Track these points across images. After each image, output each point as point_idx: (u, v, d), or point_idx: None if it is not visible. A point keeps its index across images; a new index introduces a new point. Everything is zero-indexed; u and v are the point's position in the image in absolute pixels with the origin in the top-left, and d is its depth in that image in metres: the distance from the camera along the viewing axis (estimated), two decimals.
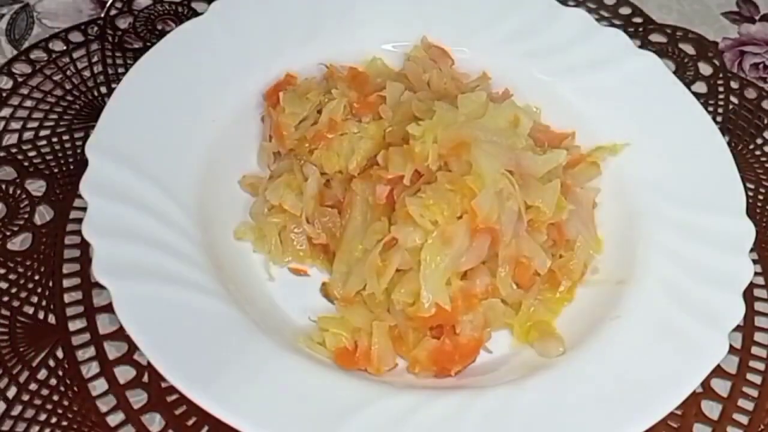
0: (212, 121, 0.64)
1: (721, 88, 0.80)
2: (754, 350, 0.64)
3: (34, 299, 0.61)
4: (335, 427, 0.50)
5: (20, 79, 0.73)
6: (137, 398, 0.57)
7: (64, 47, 0.76)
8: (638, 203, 0.64)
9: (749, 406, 0.61)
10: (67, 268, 0.62)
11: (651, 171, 0.65)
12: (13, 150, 0.69)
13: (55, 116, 0.71)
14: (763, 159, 0.76)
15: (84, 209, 0.56)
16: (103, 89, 0.73)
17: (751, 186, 0.73)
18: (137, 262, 0.55)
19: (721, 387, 0.62)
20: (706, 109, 0.70)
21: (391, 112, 0.64)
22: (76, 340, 0.59)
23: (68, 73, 0.74)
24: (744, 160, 0.75)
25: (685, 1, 0.88)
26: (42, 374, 0.58)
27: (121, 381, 0.58)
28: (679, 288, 0.59)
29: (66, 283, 0.62)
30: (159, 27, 0.79)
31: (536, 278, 0.60)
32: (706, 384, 0.61)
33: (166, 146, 0.61)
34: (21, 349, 0.59)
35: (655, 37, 0.84)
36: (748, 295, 0.64)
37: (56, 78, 0.74)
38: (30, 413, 0.56)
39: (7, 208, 0.66)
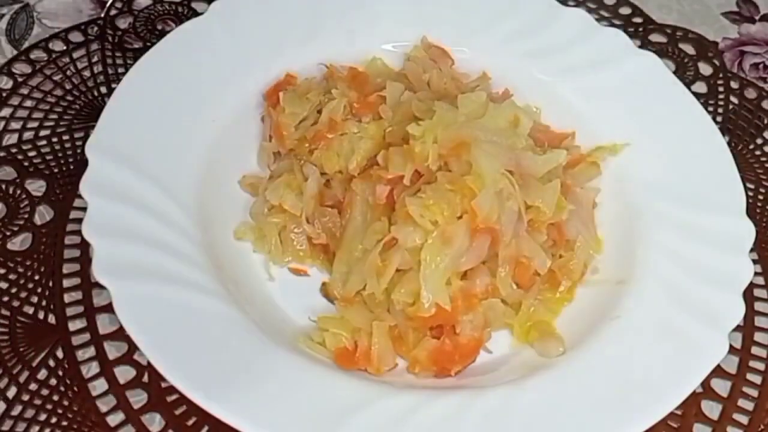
0: (212, 121, 0.64)
1: (721, 88, 0.80)
2: (754, 350, 0.64)
3: (34, 299, 0.61)
4: (335, 427, 0.50)
5: (20, 79, 0.73)
6: (137, 398, 0.57)
7: (64, 47, 0.76)
8: (638, 203, 0.64)
9: (749, 406, 0.61)
10: (67, 268, 0.62)
11: (651, 171, 0.65)
12: (13, 150, 0.69)
13: (55, 116, 0.71)
14: (763, 159, 0.76)
15: (84, 209, 0.56)
16: (103, 89, 0.73)
17: (751, 186, 0.73)
18: (137, 262, 0.55)
19: (721, 387, 0.62)
20: (706, 109, 0.70)
21: (391, 112, 0.64)
22: (76, 340, 0.59)
23: (68, 73, 0.74)
24: (744, 160, 0.75)
25: (685, 1, 0.88)
26: (42, 374, 0.58)
27: (121, 381, 0.58)
28: (679, 288, 0.59)
29: (66, 283, 0.62)
30: (159, 27, 0.79)
31: (536, 278, 0.60)
32: (706, 384, 0.61)
33: (166, 146, 0.61)
34: (21, 349, 0.59)
35: (655, 37, 0.84)
36: (748, 295, 0.64)
37: (56, 78, 0.74)
38: (30, 413, 0.56)
39: (7, 208, 0.66)
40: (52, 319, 0.60)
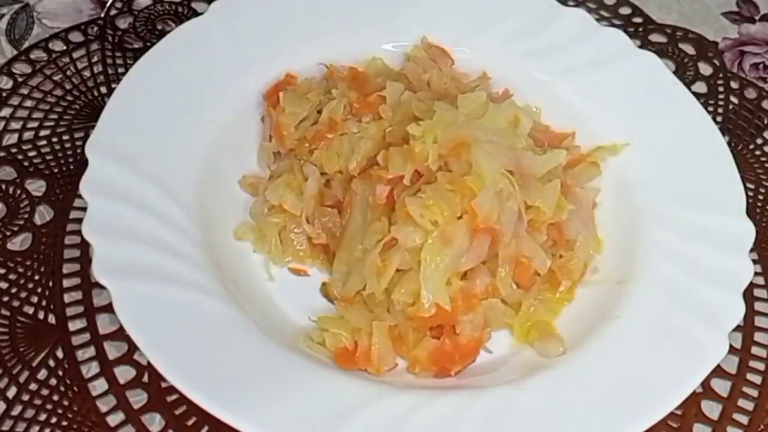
0: (212, 121, 0.64)
1: (721, 88, 0.80)
2: (754, 350, 0.64)
3: (34, 299, 0.61)
4: (335, 427, 0.50)
5: (20, 79, 0.73)
6: (137, 398, 0.57)
7: (64, 47, 0.76)
8: (638, 203, 0.64)
9: (749, 406, 0.61)
10: (67, 268, 0.62)
11: (651, 171, 0.65)
12: (13, 150, 0.69)
13: (55, 116, 0.71)
14: (763, 159, 0.76)
15: (84, 209, 0.56)
16: (103, 89, 0.73)
17: (751, 186, 0.73)
18: (137, 262, 0.55)
19: (721, 387, 0.62)
20: (706, 109, 0.70)
21: (391, 112, 0.64)
22: (76, 340, 0.59)
23: (68, 73, 0.74)
24: (744, 160, 0.75)
25: (685, 1, 0.88)
26: (42, 374, 0.58)
27: (121, 381, 0.58)
28: (679, 288, 0.59)
29: (66, 283, 0.62)
30: (159, 27, 0.79)
31: (536, 278, 0.60)
32: (706, 384, 0.61)
33: (166, 146, 0.61)
34: (21, 349, 0.59)
35: (655, 37, 0.84)
36: (748, 295, 0.64)
37: (56, 78, 0.74)
38: (30, 413, 0.56)
39: (7, 208, 0.66)
40: (52, 319, 0.60)
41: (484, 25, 0.72)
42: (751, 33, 0.86)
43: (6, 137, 0.69)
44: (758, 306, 0.66)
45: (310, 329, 0.59)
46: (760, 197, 0.73)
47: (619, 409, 0.53)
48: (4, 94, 0.72)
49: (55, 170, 0.68)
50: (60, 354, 0.59)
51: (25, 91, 0.73)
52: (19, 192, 0.66)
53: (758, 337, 0.64)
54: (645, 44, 0.82)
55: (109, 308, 0.59)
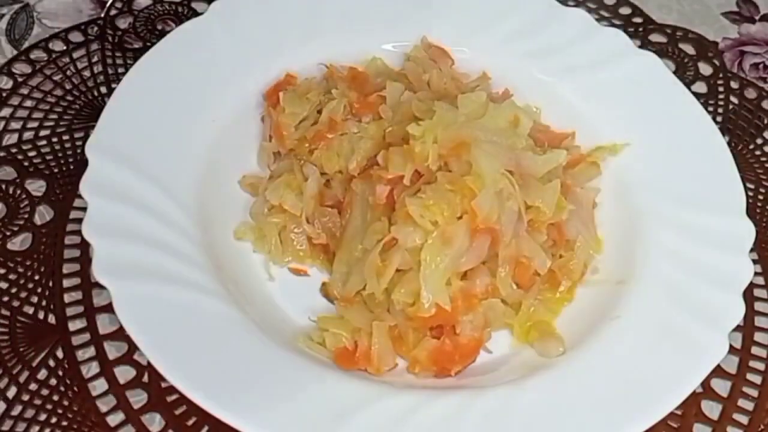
0: (212, 121, 0.64)
1: (721, 88, 0.80)
2: (754, 350, 0.64)
3: (34, 299, 0.61)
4: (335, 427, 0.50)
5: (20, 79, 0.73)
6: (137, 398, 0.57)
7: (64, 47, 0.76)
8: (638, 203, 0.64)
9: (749, 406, 0.61)
10: (67, 268, 0.62)
11: (651, 171, 0.65)
12: (13, 150, 0.69)
13: (55, 116, 0.71)
14: (763, 159, 0.76)
15: (84, 209, 0.56)
16: (103, 89, 0.73)
17: (751, 186, 0.73)
18: (137, 262, 0.55)
19: (721, 387, 0.62)
20: (706, 109, 0.70)
21: (391, 112, 0.64)
22: (76, 340, 0.59)
23: (68, 73, 0.74)
24: (744, 160, 0.75)
25: (685, 1, 0.88)
26: (42, 374, 0.58)
27: (121, 381, 0.58)
28: (679, 288, 0.59)
29: (66, 283, 0.62)
30: (159, 27, 0.79)
31: (536, 278, 0.60)
32: (706, 384, 0.61)
33: (166, 146, 0.61)
34: (21, 349, 0.59)
35: (655, 37, 0.84)
36: (748, 295, 0.64)
37: (56, 78, 0.74)
38: (30, 413, 0.56)
39: (7, 208, 0.66)
40: (52, 319, 0.60)
41: (484, 25, 0.72)
42: (751, 33, 0.86)
43: (6, 137, 0.69)
44: (758, 306, 0.66)
45: (310, 329, 0.59)
46: (760, 197, 0.73)
47: (619, 409, 0.53)
48: (4, 94, 0.72)
49: (55, 170, 0.68)
50: (60, 354, 0.59)
51: (25, 91, 0.73)
52: (19, 192, 0.66)
53: (758, 337, 0.64)
54: (645, 44, 0.82)
55: (109, 308, 0.59)
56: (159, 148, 0.61)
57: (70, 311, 0.61)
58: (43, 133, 0.70)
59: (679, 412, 0.59)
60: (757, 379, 0.62)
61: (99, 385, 0.58)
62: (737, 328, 0.58)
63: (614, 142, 0.67)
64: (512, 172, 0.58)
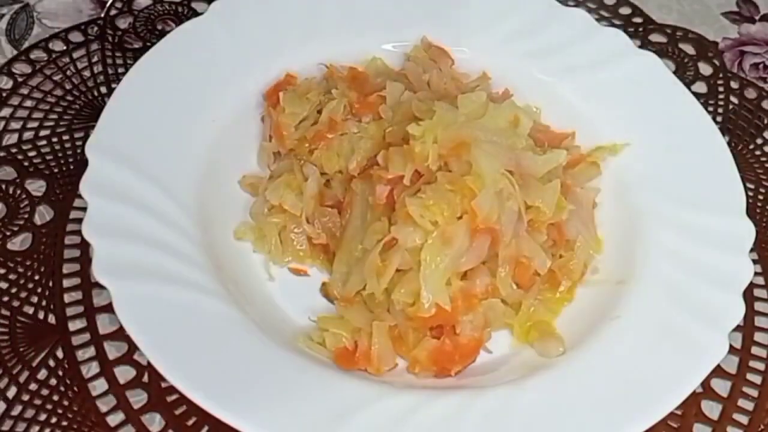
0: (212, 121, 0.64)
1: (721, 88, 0.80)
2: (754, 350, 0.64)
3: (34, 299, 0.61)
4: (335, 427, 0.50)
5: (20, 79, 0.73)
6: (137, 398, 0.57)
7: (64, 47, 0.76)
8: (638, 203, 0.64)
9: (749, 406, 0.61)
10: (67, 268, 0.62)
11: (651, 171, 0.65)
12: (13, 150, 0.69)
13: (55, 116, 0.71)
14: (763, 159, 0.76)
15: (84, 209, 0.56)
16: (103, 89, 0.73)
17: (751, 186, 0.73)
18: (137, 262, 0.55)
19: (721, 387, 0.62)
20: (706, 109, 0.70)
21: (391, 112, 0.64)
22: (76, 340, 0.59)
23: (68, 73, 0.74)
24: (744, 160, 0.75)
25: (685, 1, 0.88)
26: (42, 374, 0.58)
27: (121, 381, 0.58)
28: (679, 288, 0.59)
29: (66, 283, 0.62)
30: (159, 27, 0.79)
31: (536, 278, 0.60)
32: (706, 384, 0.61)
33: (166, 146, 0.61)
34: (21, 349, 0.59)
35: (655, 37, 0.84)
36: (748, 295, 0.64)
37: (56, 78, 0.74)
38: (30, 413, 0.56)
39: (7, 208, 0.66)
40: (52, 319, 0.60)
41: (484, 25, 0.72)
42: (751, 33, 0.86)
43: (6, 137, 0.69)
44: (758, 306, 0.66)
45: (310, 329, 0.59)
46: (760, 197, 0.73)
47: (619, 409, 0.53)
48: (4, 94, 0.72)
49: (55, 170, 0.68)
50: (60, 354, 0.59)
51: (25, 91, 0.73)
52: (19, 192, 0.66)
53: (758, 337, 0.64)
54: (645, 44, 0.82)
55: (109, 308, 0.59)
56: (159, 148, 0.61)
57: (70, 311, 0.61)
58: (43, 133, 0.70)
59: (679, 412, 0.59)
60: (757, 379, 0.62)
61: (99, 385, 0.58)
62: (737, 328, 0.58)
63: (614, 142, 0.67)
64: (512, 172, 0.58)
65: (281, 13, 0.70)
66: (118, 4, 0.80)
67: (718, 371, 0.61)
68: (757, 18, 0.88)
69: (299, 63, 0.69)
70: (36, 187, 0.67)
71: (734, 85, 0.81)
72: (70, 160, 0.68)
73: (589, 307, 0.61)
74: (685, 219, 0.62)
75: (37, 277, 0.62)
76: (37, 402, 0.57)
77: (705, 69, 0.82)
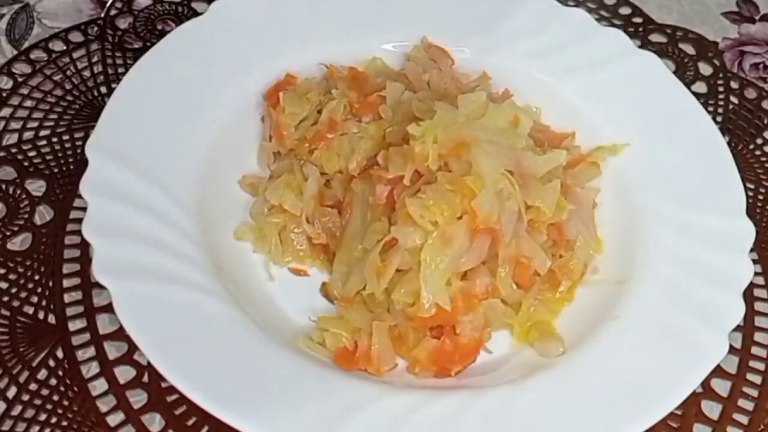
0: (212, 121, 0.64)
1: (721, 88, 0.80)
2: (754, 350, 0.64)
3: (34, 299, 0.61)
4: (335, 427, 0.50)
5: (20, 79, 0.73)
6: (137, 398, 0.57)
7: (64, 47, 0.76)
8: (638, 203, 0.64)
9: (749, 406, 0.61)
10: (67, 268, 0.62)
11: (651, 171, 0.65)
12: (13, 150, 0.69)
13: (55, 116, 0.71)
14: (763, 159, 0.76)
15: (84, 209, 0.56)
16: (103, 89, 0.73)
17: (751, 186, 0.73)
18: (137, 262, 0.55)
19: (721, 387, 0.62)
20: (706, 109, 0.70)
21: (391, 112, 0.64)
22: (76, 340, 0.59)
23: (68, 73, 0.74)
24: (744, 160, 0.75)
25: (685, 1, 0.88)
26: (42, 374, 0.58)
27: (121, 381, 0.58)
28: (679, 288, 0.59)
29: (66, 283, 0.62)
30: (159, 27, 0.79)
31: (536, 278, 0.60)
32: (706, 384, 0.61)
33: (166, 146, 0.61)
34: (21, 349, 0.59)
35: (655, 37, 0.84)
36: (748, 295, 0.64)
37: (56, 78, 0.74)
38: (30, 413, 0.56)
39: (7, 208, 0.66)
40: (52, 319, 0.60)
41: (484, 25, 0.72)
42: (751, 33, 0.86)
43: (6, 137, 0.69)
44: (758, 306, 0.66)
45: (310, 329, 0.59)
46: (760, 197, 0.73)
47: (619, 409, 0.53)
48: (4, 94, 0.72)
49: (55, 170, 0.68)
50: (60, 354, 0.59)
51: (25, 91, 0.73)
52: (19, 192, 0.66)
53: (758, 337, 0.64)
54: (645, 44, 0.82)
55: (109, 308, 0.59)
56: (159, 148, 0.61)
57: (70, 311, 0.61)
58: (43, 133, 0.70)
59: (679, 412, 0.59)
60: (757, 379, 0.62)
61: (99, 385, 0.58)
62: (737, 328, 0.58)
63: (614, 142, 0.67)
64: (512, 172, 0.58)
65: (281, 13, 0.70)
66: (118, 4, 0.80)
67: (718, 371, 0.61)
68: (757, 18, 0.88)
69: (299, 63, 0.69)
70: (36, 187, 0.67)
71: (734, 85, 0.81)
72: (70, 160, 0.68)
73: (589, 307, 0.61)
74: (685, 219, 0.62)
75: (37, 277, 0.62)
76: (37, 402, 0.57)
77: (705, 69, 0.82)
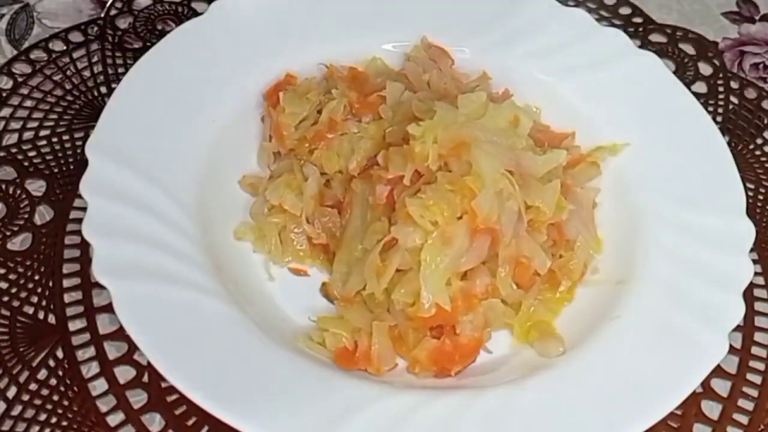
0: (212, 121, 0.64)
1: (721, 88, 0.80)
2: (754, 350, 0.64)
3: (34, 299, 0.61)
4: (335, 427, 0.50)
5: (20, 79, 0.73)
6: (137, 398, 0.57)
7: (64, 47, 0.76)
8: (638, 203, 0.64)
9: (749, 406, 0.61)
10: (67, 268, 0.62)
11: (651, 171, 0.65)
12: (13, 150, 0.69)
13: (55, 116, 0.71)
14: (763, 159, 0.76)
15: (84, 209, 0.56)
16: (103, 89, 0.73)
17: (751, 186, 0.73)
18: (137, 262, 0.55)
19: (721, 387, 0.62)
20: (706, 109, 0.70)
21: (391, 112, 0.64)
22: (76, 340, 0.59)
23: (68, 73, 0.74)
24: (744, 160, 0.75)
25: (685, 1, 0.88)
26: (42, 374, 0.58)
27: (121, 381, 0.58)
28: (679, 288, 0.59)
29: (66, 283, 0.62)
30: (159, 27, 0.79)
31: (536, 278, 0.60)
32: (706, 384, 0.61)
33: (166, 146, 0.61)
34: (21, 349, 0.59)
35: (655, 37, 0.84)
36: (748, 295, 0.64)
37: (56, 78, 0.74)
38: (30, 413, 0.56)
39: (7, 208, 0.66)
40: (52, 319, 0.60)
41: (484, 25, 0.72)
42: (751, 33, 0.86)
43: (6, 137, 0.69)
44: (758, 306, 0.66)
45: (310, 329, 0.59)
46: (760, 197, 0.73)
47: (619, 409, 0.53)
48: (4, 94, 0.72)
49: (55, 170, 0.68)
50: (60, 354, 0.59)
51: (25, 91, 0.73)
52: (19, 192, 0.66)
53: (758, 337, 0.64)
54: (645, 44, 0.82)
55: (109, 308, 0.59)
56: (159, 148, 0.61)
57: (70, 311, 0.61)
58: (43, 133, 0.70)
59: (679, 412, 0.59)
60: (757, 379, 0.62)
61: (99, 385, 0.58)
62: (737, 328, 0.58)
63: (614, 142, 0.67)
64: (512, 172, 0.58)
65: (281, 13, 0.70)
66: (118, 4, 0.80)
67: (718, 371, 0.61)
68: (757, 18, 0.88)
69: (299, 63, 0.69)
70: (36, 187, 0.67)
71: (734, 85, 0.81)
72: (70, 160, 0.68)
73: (589, 307, 0.61)
74: (685, 219, 0.62)
75: (37, 277, 0.62)
76: (37, 402, 0.57)
77: (705, 69, 0.82)
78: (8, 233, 0.64)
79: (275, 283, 0.62)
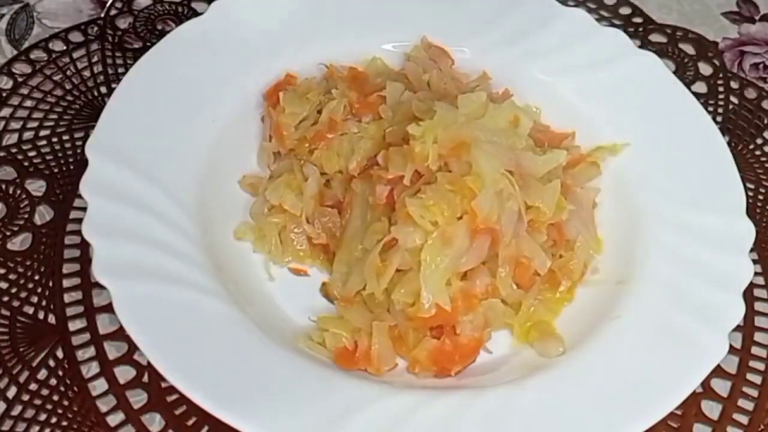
0: (212, 121, 0.64)
1: (721, 88, 0.80)
2: (754, 350, 0.64)
3: (34, 299, 0.61)
4: (335, 427, 0.50)
5: (20, 79, 0.73)
6: (137, 398, 0.57)
7: (64, 47, 0.76)
8: (638, 203, 0.64)
9: (749, 406, 0.61)
10: (67, 268, 0.62)
11: (651, 171, 0.65)
12: (13, 150, 0.69)
13: (55, 116, 0.71)
14: (763, 159, 0.76)
15: (84, 209, 0.56)
16: (103, 89, 0.73)
17: (751, 186, 0.73)
18: (137, 262, 0.55)
19: (721, 387, 0.62)
20: (706, 109, 0.70)
21: (391, 112, 0.64)
22: (76, 340, 0.59)
23: (68, 73, 0.74)
24: (744, 160, 0.75)
25: (685, 1, 0.88)
26: (42, 374, 0.58)
27: (121, 381, 0.58)
28: (679, 288, 0.59)
29: (66, 283, 0.62)
30: (159, 27, 0.79)
31: (536, 278, 0.60)
32: (706, 384, 0.61)
33: (166, 146, 0.61)
34: (21, 349, 0.59)
35: (655, 37, 0.84)
36: (748, 295, 0.64)
37: (56, 78, 0.74)
38: (30, 413, 0.56)
39: (7, 208, 0.66)
40: (52, 319, 0.60)
41: (484, 25, 0.72)
42: (751, 33, 0.86)
43: (6, 137, 0.69)
44: (758, 306, 0.66)
45: (310, 329, 0.59)
46: (760, 197, 0.73)
47: (619, 409, 0.53)
48: (4, 94, 0.72)
49: (55, 170, 0.68)
50: (60, 354, 0.59)
51: (25, 91, 0.73)
52: (19, 192, 0.66)
53: (758, 337, 0.64)
54: (645, 44, 0.82)
55: (109, 308, 0.59)
56: (159, 148, 0.61)
57: (70, 311, 0.61)
58: (43, 133, 0.70)
59: (679, 412, 0.59)
60: (757, 379, 0.62)
61: (99, 385, 0.58)
62: (737, 328, 0.58)
63: (614, 142, 0.67)
64: (512, 172, 0.58)
65: (281, 13, 0.70)
66: (118, 4, 0.80)
67: (718, 371, 0.61)
68: (757, 18, 0.88)
69: (299, 63, 0.69)
70: (36, 187, 0.67)
71: (734, 85, 0.81)
72: (70, 160, 0.68)
73: (589, 307, 0.61)
74: (685, 219, 0.62)
75: (37, 277, 0.62)
76: (37, 402, 0.57)
77: (705, 69, 0.82)
78: (8, 233, 0.64)
79: (275, 283, 0.62)
